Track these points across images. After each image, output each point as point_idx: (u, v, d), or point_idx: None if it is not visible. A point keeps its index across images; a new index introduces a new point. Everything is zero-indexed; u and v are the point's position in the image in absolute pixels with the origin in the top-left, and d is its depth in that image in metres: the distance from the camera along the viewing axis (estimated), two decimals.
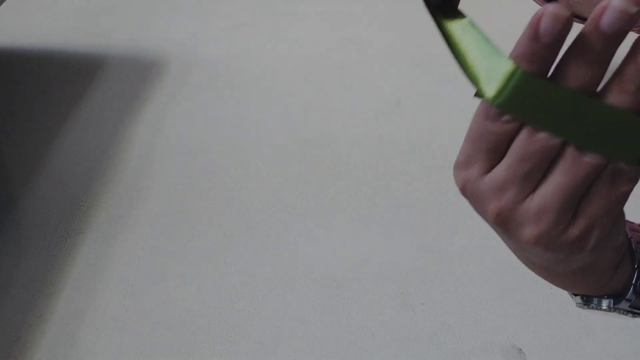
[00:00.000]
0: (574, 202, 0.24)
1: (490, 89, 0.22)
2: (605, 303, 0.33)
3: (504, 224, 0.26)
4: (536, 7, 1.79)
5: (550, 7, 0.20)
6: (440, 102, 1.47)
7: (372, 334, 0.97)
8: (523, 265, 0.32)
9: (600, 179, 0.24)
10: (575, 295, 0.34)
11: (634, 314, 0.32)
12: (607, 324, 0.94)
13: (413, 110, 1.46)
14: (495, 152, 0.25)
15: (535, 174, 0.25)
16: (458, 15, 0.23)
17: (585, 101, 0.21)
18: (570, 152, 0.23)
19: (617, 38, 0.20)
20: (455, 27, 0.23)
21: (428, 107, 1.47)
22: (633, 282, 0.31)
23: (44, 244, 1.17)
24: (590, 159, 0.23)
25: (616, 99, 0.21)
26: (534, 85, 0.22)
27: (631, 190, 0.24)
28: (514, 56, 0.22)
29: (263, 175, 1.30)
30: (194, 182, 1.30)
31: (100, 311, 1.05)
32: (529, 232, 0.25)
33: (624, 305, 0.32)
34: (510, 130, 0.24)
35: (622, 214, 0.27)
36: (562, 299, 0.99)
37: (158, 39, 1.84)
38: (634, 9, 0.19)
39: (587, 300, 0.33)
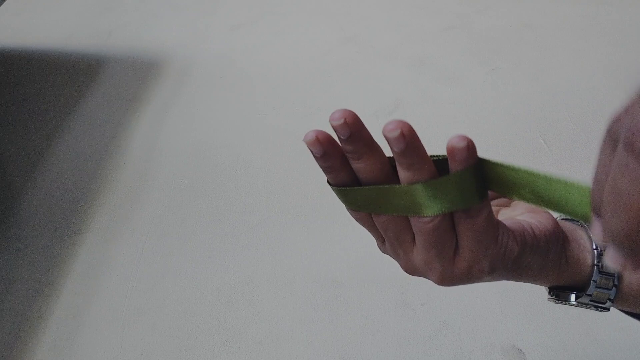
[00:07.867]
0: (444, 248, 0.29)
1: None
2: (572, 298, 0.36)
3: (414, 275, 0.32)
4: (536, 10, 1.79)
5: (307, 137, 0.28)
6: (440, 102, 1.47)
7: (372, 334, 0.97)
8: None
9: (456, 219, 0.29)
10: (549, 289, 0.38)
11: (597, 308, 0.36)
12: (607, 325, 0.94)
13: (413, 110, 1.46)
14: (374, 230, 0.32)
15: (401, 239, 0.31)
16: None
17: (377, 188, 0.28)
18: (412, 218, 0.29)
19: (353, 139, 0.27)
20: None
21: (428, 107, 1.47)
22: (593, 278, 0.35)
23: (44, 243, 1.17)
24: (426, 219, 0.28)
25: (403, 176, 0.27)
26: (340, 190, 0.30)
27: (488, 214, 0.29)
28: None
29: (263, 175, 1.30)
30: (194, 182, 1.30)
31: (100, 311, 1.05)
32: (432, 278, 0.31)
33: (585, 299, 0.36)
34: (362, 216, 0.31)
35: (504, 230, 0.31)
36: None
37: (158, 39, 1.84)
38: (341, 123, 0.26)
39: (557, 297, 0.37)
